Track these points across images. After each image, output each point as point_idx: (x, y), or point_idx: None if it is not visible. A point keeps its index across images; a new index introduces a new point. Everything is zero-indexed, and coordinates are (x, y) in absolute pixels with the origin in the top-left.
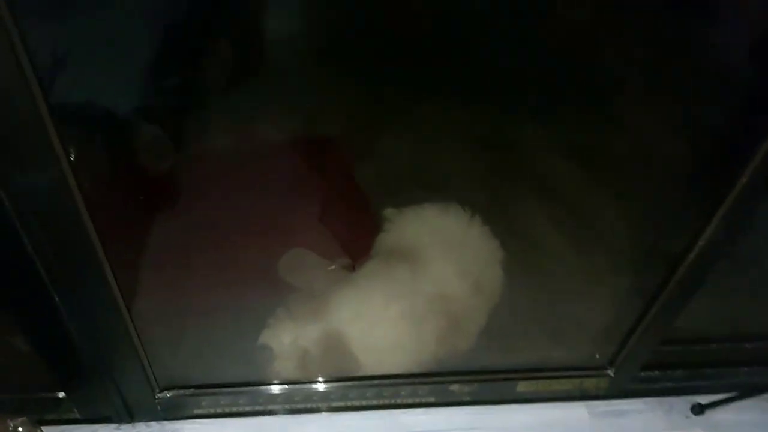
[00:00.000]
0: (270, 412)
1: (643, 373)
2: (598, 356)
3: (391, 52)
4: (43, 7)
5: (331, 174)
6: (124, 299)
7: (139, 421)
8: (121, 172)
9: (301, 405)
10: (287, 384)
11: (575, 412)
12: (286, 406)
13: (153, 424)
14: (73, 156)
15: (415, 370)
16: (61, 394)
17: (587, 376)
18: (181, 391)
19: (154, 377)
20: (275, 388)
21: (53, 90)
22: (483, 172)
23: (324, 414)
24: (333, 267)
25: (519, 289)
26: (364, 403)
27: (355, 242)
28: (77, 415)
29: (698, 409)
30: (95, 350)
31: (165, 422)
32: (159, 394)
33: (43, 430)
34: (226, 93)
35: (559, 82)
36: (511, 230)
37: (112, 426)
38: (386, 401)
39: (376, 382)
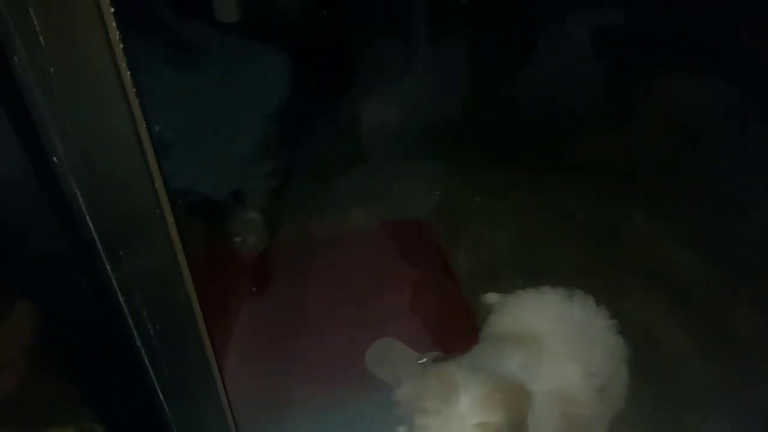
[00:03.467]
0: None
1: None
2: None
3: (489, 137)
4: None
5: (426, 260)
6: (224, 386)
7: None
8: (220, 252)
9: None
10: None
11: None
12: None
13: None
14: None
15: None
16: None
17: None
18: None
19: None
20: None
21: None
22: (586, 260)
23: None
24: (424, 360)
25: (644, 393)
26: None
27: (450, 333)
28: None
29: None
30: None
31: None
32: None
33: None
34: (322, 179)
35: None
36: (634, 327)
37: None
38: None
39: None
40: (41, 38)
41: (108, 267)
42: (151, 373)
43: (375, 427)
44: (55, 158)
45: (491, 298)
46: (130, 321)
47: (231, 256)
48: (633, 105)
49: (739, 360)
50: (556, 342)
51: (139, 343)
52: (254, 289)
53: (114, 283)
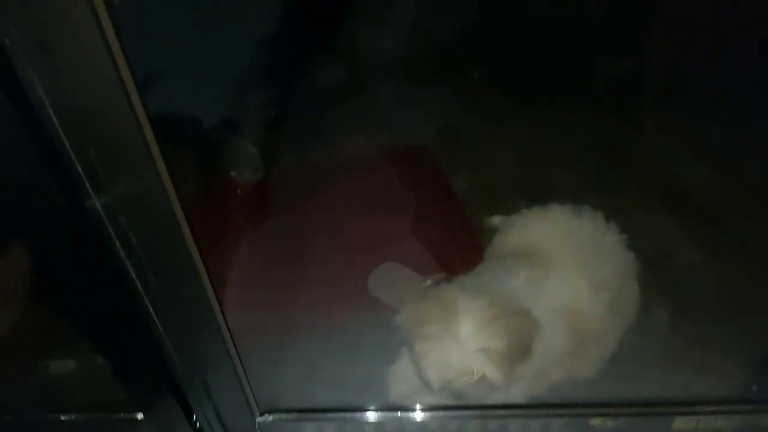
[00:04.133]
0: None
1: None
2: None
3: (490, 57)
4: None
5: (429, 185)
6: (223, 313)
7: None
8: (214, 184)
9: None
10: (400, 411)
11: None
12: None
13: None
14: None
15: (551, 399)
16: (140, 416)
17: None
18: (284, 415)
19: (255, 399)
20: (381, 415)
21: (150, 100)
22: (595, 177)
23: None
24: (429, 282)
25: (657, 308)
26: None
27: (455, 257)
28: None
29: None
30: (190, 368)
31: None
32: (259, 418)
33: None
34: (320, 103)
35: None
36: (644, 241)
37: None
38: None
39: (500, 412)
40: None
41: (87, 184)
42: (143, 294)
43: (379, 349)
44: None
45: (496, 220)
46: (113, 235)
47: (227, 187)
48: (635, 14)
49: (753, 271)
50: (563, 257)
51: (126, 261)
52: (251, 216)
53: (94, 198)
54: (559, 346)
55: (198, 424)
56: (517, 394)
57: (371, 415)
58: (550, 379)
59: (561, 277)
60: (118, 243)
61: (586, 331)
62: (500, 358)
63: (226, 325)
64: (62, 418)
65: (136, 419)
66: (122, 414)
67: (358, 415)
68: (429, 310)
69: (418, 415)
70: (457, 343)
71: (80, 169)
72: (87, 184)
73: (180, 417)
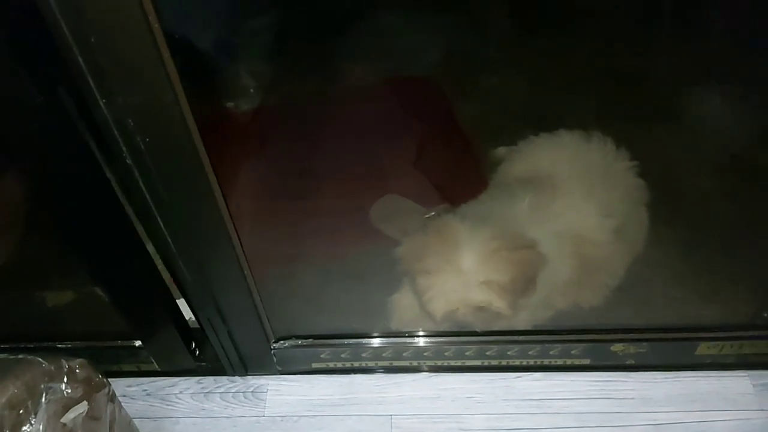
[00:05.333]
0: (373, 370)
1: None
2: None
3: None
4: None
5: (432, 116)
6: (240, 241)
7: (254, 374)
8: (227, 110)
9: (438, 362)
10: (417, 337)
11: (735, 383)
12: (417, 363)
13: (237, 379)
14: None
15: (571, 324)
16: (137, 343)
17: None
18: (300, 341)
19: (270, 326)
20: (398, 341)
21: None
22: (609, 103)
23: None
24: (432, 214)
25: (664, 235)
26: (484, 363)
27: (459, 188)
28: (156, 367)
29: None
30: (207, 295)
31: (249, 377)
32: (275, 344)
33: (106, 378)
34: (320, 35)
35: None
36: (655, 167)
37: (194, 380)
38: (519, 361)
39: (519, 338)
40: None
41: (97, 94)
42: (158, 216)
43: (382, 278)
44: None
45: (502, 151)
46: (126, 153)
47: (223, 118)
48: None
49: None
50: (570, 183)
51: (142, 183)
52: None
53: (105, 111)
54: (564, 272)
55: (197, 352)
56: (522, 321)
57: (388, 341)
58: (555, 307)
59: (567, 202)
60: (132, 164)
61: (592, 257)
62: (503, 291)
63: (244, 253)
64: (59, 346)
65: (134, 346)
66: (120, 341)
67: (375, 341)
68: (429, 242)
69: (439, 340)
70: (460, 276)
71: (91, 81)
72: (97, 94)
73: (179, 343)
